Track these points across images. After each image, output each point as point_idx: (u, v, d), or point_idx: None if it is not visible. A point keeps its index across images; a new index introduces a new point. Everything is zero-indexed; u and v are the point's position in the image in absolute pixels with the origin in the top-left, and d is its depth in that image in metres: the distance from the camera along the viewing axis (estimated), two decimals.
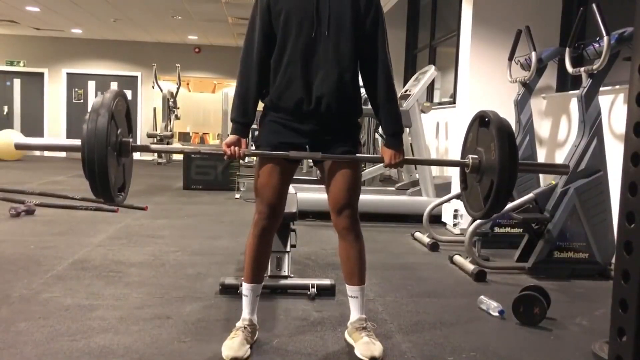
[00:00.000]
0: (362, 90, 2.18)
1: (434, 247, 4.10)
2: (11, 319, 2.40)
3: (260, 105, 2.20)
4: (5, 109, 12.91)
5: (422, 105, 5.62)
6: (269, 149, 2.11)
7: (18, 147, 2.16)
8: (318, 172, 2.61)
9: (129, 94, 12.80)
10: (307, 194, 4.60)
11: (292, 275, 2.96)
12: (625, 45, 3.16)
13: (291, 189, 2.52)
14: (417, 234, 4.40)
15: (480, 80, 4.58)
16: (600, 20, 3.13)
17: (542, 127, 4.52)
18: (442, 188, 5.07)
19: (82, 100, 13.00)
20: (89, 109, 1.93)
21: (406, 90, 5.42)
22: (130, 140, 2.10)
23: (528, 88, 4.19)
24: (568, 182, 3.39)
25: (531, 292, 2.60)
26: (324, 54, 2.06)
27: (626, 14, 3.79)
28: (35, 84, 12.93)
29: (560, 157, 4.18)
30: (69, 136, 12.82)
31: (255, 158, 2.36)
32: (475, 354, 2.22)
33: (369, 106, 2.21)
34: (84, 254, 3.57)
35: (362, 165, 4.13)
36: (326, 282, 2.89)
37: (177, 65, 11.38)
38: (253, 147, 2.19)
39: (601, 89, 3.39)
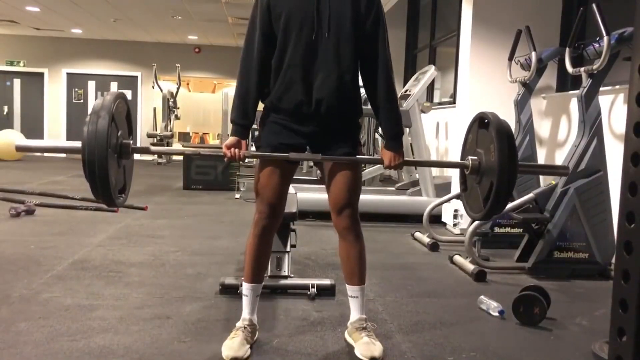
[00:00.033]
0: (362, 90, 2.18)
1: (434, 247, 4.10)
2: (11, 319, 2.40)
3: (261, 106, 2.20)
4: (5, 109, 12.91)
5: (422, 105, 5.62)
6: (269, 149, 2.11)
7: (19, 149, 2.17)
8: (318, 172, 2.62)
9: (129, 94, 12.82)
10: (307, 194, 4.60)
11: (292, 275, 2.96)
12: (625, 45, 3.16)
13: (291, 189, 2.52)
14: (417, 234, 4.40)
15: (480, 80, 4.58)
16: (600, 20, 3.13)
17: (542, 127, 4.52)
18: (442, 188, 5.07)
19: (82, 101, 13.01)
20: (90, 111, 1.94)
21: (406, 90, 5.42)
22: (131, 142, 2.10)
23: (528, 88, 4.19)
24: (568, 182, 3.39)
25: (531, 292, 2.60)
26: (324, 55, 2.06)
27: (626, 14, 3.79)
28: (35, 84, 12.93)
29: (560, 157, 4.18)
30: (69, 136, 12.83)
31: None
32: (475, 354, 2.22)
33: (369, 106, 2.20)
34: (84, 254, 3.57)
35: (363, 165, 4.13)
36: (326, 282, 2.89)
37: (177, 65, 11.38)
38: (253, 148, 2.19)
39: (601, 89, 3.39)
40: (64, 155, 10.52)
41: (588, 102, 3.35)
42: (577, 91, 3.48)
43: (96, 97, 12.67)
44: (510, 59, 4.32)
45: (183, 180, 7.13)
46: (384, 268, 3.51)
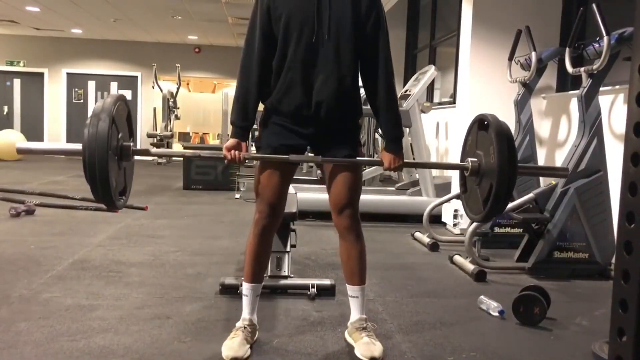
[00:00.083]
0: (362, 90, 2.18)
1: (434, 247, 4.10)
2: (11, 319, 2.40)
3: (261, 106, 2.20)
4: (5, 109, 12.90)
5: (422, 105, 5.62)
6: (270, 150, 2.11)
7: (20, 151, 2.17)
8: (319, 172, 2.62)
9: (128, 94, 12.82)
10: (307, 194, 4.60)
11: (292, 275, 2.96)
12: (625, 45, 3.17)
13: (291, 189, 2.52)
14: (417, 234, 4.40)
15: (480, 80, 4.58)
16: (600, 20, 3.13)
17: (542, 127, 4.52)
18: (442, 188, 5.07)
19: (82, 101, 13.00)
20: (90, 114, 1.94)
21: (406, 90, 5.42)
22: (131, 144, 2.10)
23: (528, 88, 4.19)
24: (568, 182, 3.39)
25: (531, 292, 2.60)
26: (325, 57, 2.06)
27: (626, 14, 3.80)
28: (35, 84, 12.92)
29: (560, 157, 4.18)
30: (68, 136, 12.82)
31: None
32: (475, 354, 2.22)
33: (369, 106, 2.20)
34: (84, 254, 3.57)
35: (363, 165, 4.13)
36: (326, 282, 2.89)
37: (177, 65, 11.38)
38: (253, 148, 2.19)
39: (601, 89, 3.39)
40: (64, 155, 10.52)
41: (588, 102, 3.35)
42: (577, 91, 3.48)
43: (96, 97, 12.71)
44: (510, 59, 4.32)
45: (183, 180, 7.13)
46: (384, 268, 3.51)
